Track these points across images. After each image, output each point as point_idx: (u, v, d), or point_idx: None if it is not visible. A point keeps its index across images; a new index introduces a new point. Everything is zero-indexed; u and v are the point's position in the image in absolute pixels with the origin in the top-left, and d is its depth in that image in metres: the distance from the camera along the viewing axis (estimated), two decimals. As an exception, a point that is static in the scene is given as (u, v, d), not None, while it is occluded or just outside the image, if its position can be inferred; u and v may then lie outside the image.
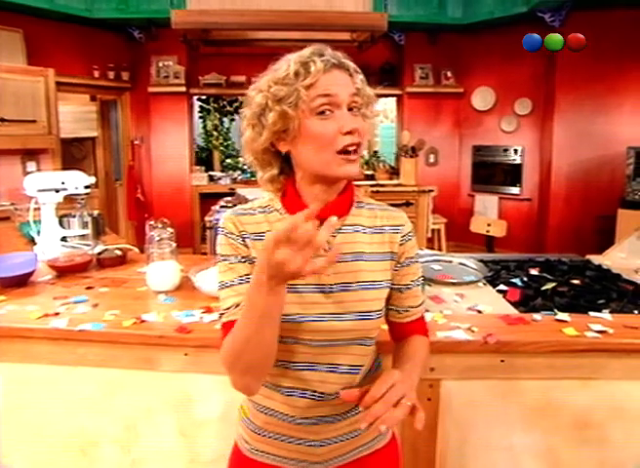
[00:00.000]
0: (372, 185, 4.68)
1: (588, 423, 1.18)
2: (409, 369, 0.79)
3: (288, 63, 0.76)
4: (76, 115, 5.19)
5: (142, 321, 1.29)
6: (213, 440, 1.27)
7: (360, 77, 0.79)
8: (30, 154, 4.20)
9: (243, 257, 0.78)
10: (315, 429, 0.81)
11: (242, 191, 3.56)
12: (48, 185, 2.01)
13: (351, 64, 0.79)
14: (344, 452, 0.85)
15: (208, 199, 4.95)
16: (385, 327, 0.92)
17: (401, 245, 0.85)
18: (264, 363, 0.72)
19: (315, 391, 0.80)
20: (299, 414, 0.81)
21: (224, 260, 0.79)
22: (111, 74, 4.94)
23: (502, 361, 1.17)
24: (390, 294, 0.87)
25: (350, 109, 0.76)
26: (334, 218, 0.58)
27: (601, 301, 1.41)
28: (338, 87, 0.75)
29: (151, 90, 5.07)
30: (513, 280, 1.63)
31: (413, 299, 0.89)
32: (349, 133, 0.74)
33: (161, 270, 1.53)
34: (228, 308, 0.77)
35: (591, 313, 1.29)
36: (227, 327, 0.75)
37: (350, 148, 0.75)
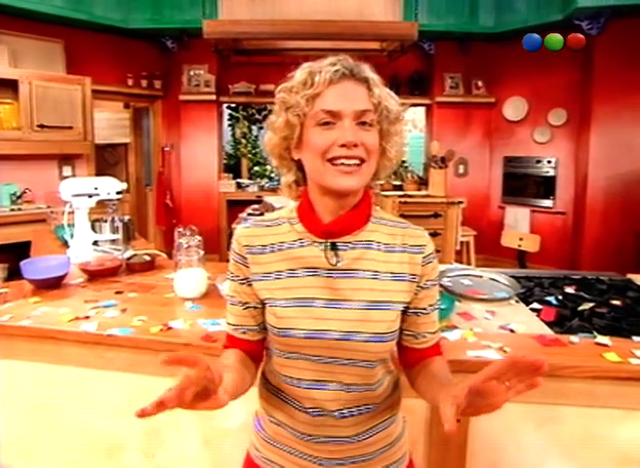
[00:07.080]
0: (400, 196, 4.62)
1: (631, 458, 1.11)
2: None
3: (300, 72, 0.76)
4: (110, 122, 5.38)
5: (169, 328, 1.30)
6: (236, 450, 1.25)
7: (381, 92, 0.75)
8: (66, 159, 4.36)
9: (242, 279, 0.83)
10: (324, 448, 0.79)
11: (269, 199, 3.57)
12: (82, 190, 2.07)
13: (372, 77, 0.75)
14: None
15: (235, 206, 5.02)
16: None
17: (423, 266, 0.79)
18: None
19: (325, 409, 0.77)
20: (308, 431, 0.79)
21: (229, 276, 0.85)
22: (144, 82, 5.08)
23: (537, 384, 1.11)
24: (405, 318, 0.81)
25: (362, 123, 0.73)
26: None
27: (645, 325, 1.33)
28: (342, 102, 0.72)
29: (182, 98, 5.18)
30: (547, 298, 1.56)
31: (430, 325, 0.83)
32: (344, 146, 0.71)
33: (188, 277, 1.54)
34: (229, 323, 0.86)
35: (635, 338, 1.22)
36: (228, 338, 0.86)
37: (345, 161, 0.72)
